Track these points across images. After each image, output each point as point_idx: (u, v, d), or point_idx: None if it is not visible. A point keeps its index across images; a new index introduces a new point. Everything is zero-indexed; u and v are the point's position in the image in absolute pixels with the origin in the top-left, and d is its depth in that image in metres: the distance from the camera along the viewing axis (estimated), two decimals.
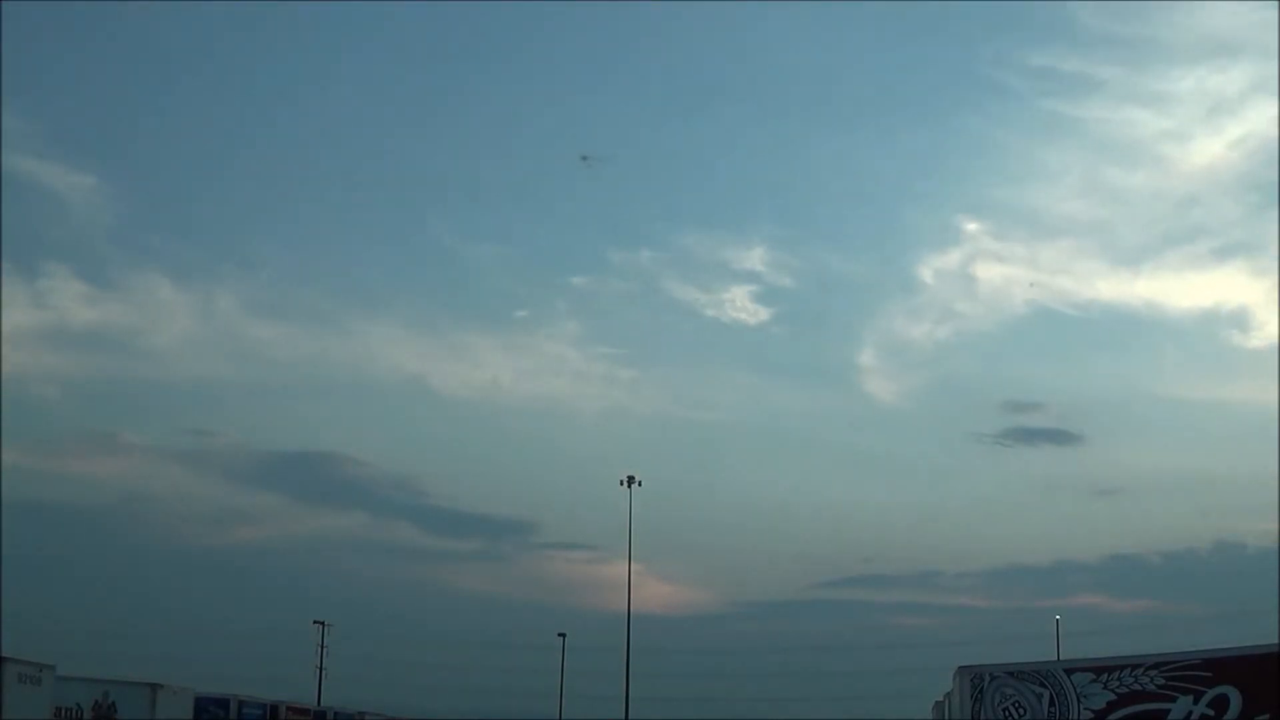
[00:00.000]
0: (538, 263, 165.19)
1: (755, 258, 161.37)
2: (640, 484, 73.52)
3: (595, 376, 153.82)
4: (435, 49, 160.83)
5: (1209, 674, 28.60)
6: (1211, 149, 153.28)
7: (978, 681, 31.38)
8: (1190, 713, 28.46)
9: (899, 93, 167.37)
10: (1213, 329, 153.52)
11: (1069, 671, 30.42)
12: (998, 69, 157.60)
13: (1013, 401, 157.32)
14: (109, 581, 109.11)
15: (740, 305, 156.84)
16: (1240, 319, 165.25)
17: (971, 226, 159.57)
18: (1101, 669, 29.93)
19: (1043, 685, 30.32)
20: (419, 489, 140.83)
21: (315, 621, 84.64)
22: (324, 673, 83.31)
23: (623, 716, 71.83)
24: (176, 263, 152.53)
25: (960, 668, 32.57)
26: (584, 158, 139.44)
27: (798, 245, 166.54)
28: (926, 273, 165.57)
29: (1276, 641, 29.76)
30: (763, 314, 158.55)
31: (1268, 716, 27.77)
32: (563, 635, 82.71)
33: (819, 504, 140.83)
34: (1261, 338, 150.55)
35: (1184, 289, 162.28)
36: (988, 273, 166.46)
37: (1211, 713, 28.30)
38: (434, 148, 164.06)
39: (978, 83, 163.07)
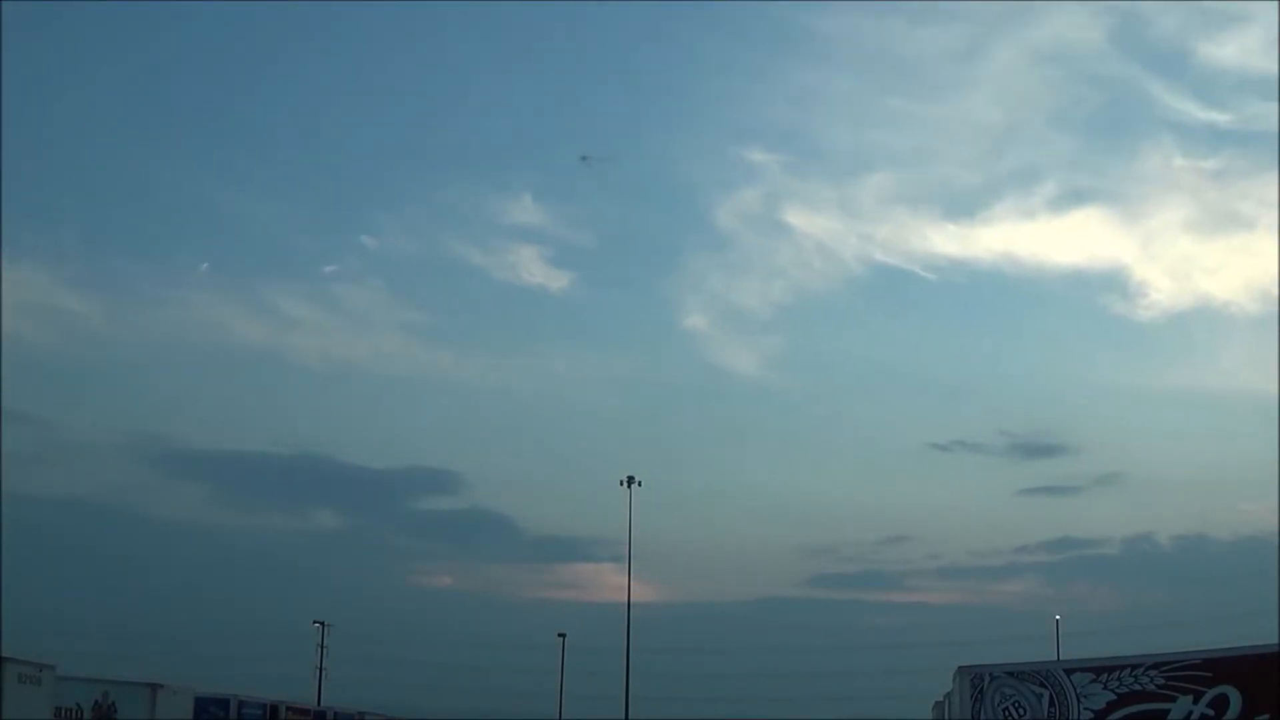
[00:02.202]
0: (323, 221, 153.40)
1: (527, 209, 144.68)
2: (640, 484, 73.15)
3: (448, 363, 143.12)
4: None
5: (1209, 674, 28.61)
6: (1013, 68, 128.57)
7: (978, 682, 31.38)
8: (1190, 713, 28.46)
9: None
10: (1089, 294, 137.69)
11: (1069, 672, 30.43)
12: None
13: (901, 378, 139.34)
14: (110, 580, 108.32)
15: (534, 270, 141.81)
16: (1117, 282, 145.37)
17: (759, 158, 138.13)
18: (1101, 669, 29.93)
19: (1043, 685, 30.32)
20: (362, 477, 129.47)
21: (315, 622, 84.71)
22: (324, 673, 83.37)
23: (621, 717, 71.81)
24: None
25: (960, 668, 32.56)
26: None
27: (572, 196, 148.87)
28: (727, 218, 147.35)
29: (1276, 641, 29.79)
30: (562, 279, 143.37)
31: (1268, 716, 27.77)
32: (563, 635, 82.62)
33: (740, 491, 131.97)
34: (1147, 306, 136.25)
35: (1038, 242, 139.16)
36: (798, 219, 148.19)
37: (1211, 713, 28.30)
38: (208, 99, 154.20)
39: None
